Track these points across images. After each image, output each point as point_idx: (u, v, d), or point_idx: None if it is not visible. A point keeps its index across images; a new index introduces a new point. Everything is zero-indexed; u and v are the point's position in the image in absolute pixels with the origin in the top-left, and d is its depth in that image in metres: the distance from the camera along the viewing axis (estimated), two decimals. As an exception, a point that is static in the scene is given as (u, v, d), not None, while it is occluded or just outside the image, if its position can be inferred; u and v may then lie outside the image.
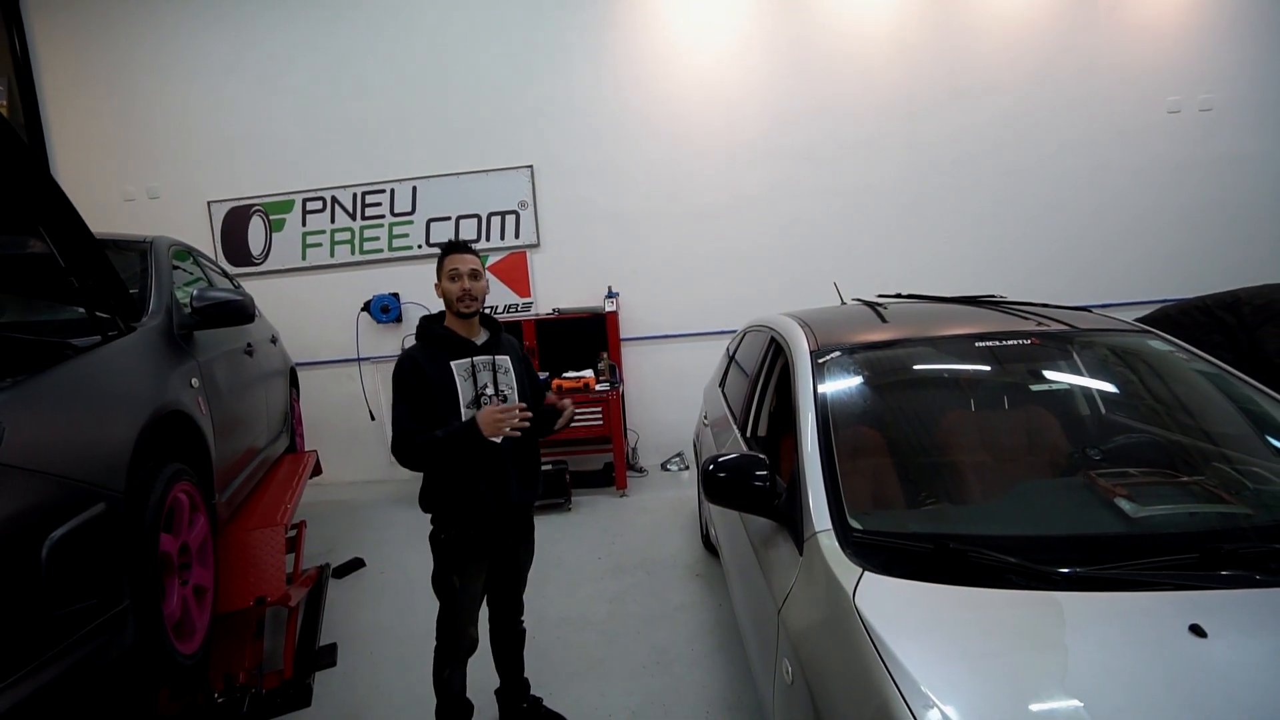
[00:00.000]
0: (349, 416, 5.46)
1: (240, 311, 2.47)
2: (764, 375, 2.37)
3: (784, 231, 5.22)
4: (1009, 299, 2.36)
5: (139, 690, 1.83)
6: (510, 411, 1.80)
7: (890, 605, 1.19)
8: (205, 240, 5.29)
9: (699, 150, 5.21)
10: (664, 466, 5.24)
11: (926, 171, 5.16)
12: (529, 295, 5.39)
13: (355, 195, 5.40)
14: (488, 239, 5.37)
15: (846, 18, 5.07)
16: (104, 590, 1.47)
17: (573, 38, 5.17)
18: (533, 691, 2.31)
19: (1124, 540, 1.37)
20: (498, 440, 1.83)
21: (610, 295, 5.12)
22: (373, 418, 5.40)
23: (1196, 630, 1.05)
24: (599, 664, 2.64)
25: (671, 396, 4.89)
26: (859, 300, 2.70)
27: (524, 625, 2.25)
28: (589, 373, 4.76)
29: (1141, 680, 1.01)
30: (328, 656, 2.78)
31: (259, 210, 5.43)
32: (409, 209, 5.40)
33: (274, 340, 3.88)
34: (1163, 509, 1.42)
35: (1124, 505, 1.44)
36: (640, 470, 5.15)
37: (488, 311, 2.06)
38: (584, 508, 4.50)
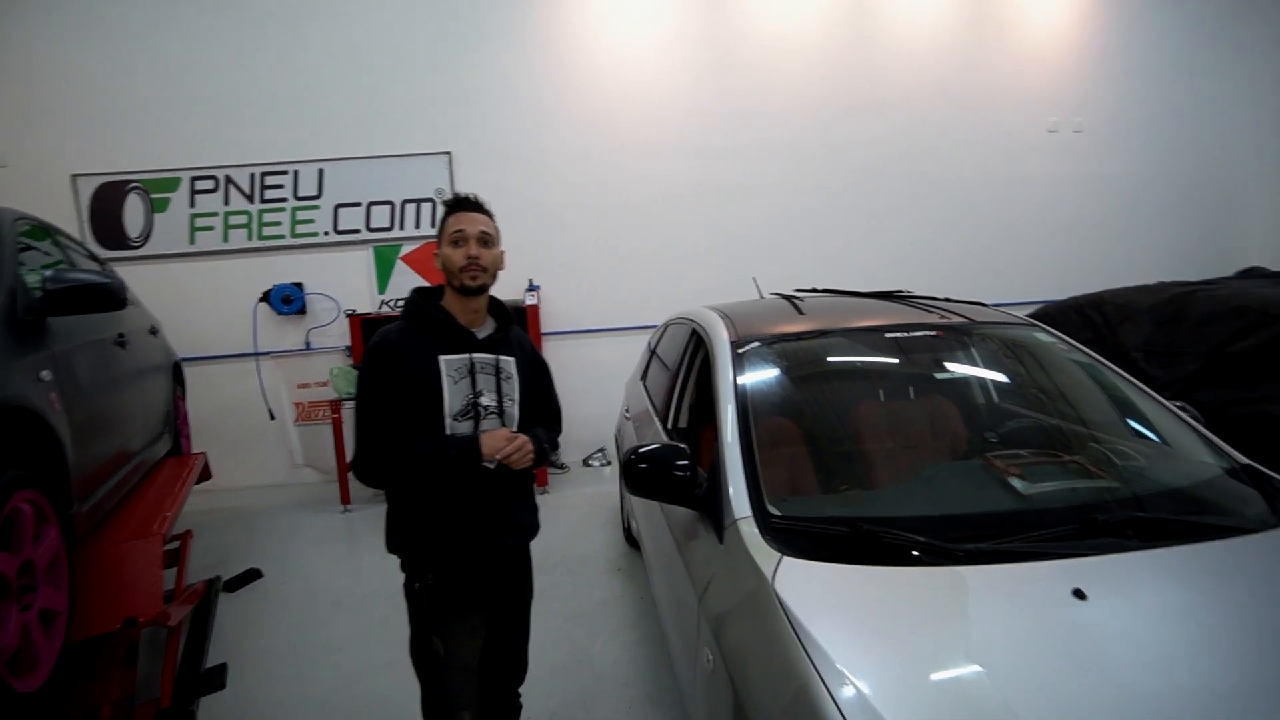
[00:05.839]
0: (245, 416, 5.02)
1: (106, 296, 2.17)
2: (685, 367, 2.38)
3: (707, 228, 5.31)
4: (915, 294, 2.48)
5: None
6: (523, 449, 1.49)
7: (808, 588, 1.21)
8: (69, 218, 4.70)
9: (624, 144, 5.20)
10: (586, 462, 5.19)
11: (842, 174, 5.41)
12: (446, 287, 5.17)
13: (253, 175, 4.97)
14: (402, 227, 5.11)
15: (767, 25, 5.23)
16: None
17: (495, 22, 5.01)
18: None
19: (1017, 516, 1.46)
20: (490, 465, 1.49)
21: (531, 288, 5.00)
22: (272, 417, 5.00)
23: (1078, 594, 1.13)
24: (518, 666, 2.56)
25: (594, 391, 4.85)
26: (777, 294, 2.76)
27: (521, 699, 1.84)
28: (510, 368, 4.62)
29: (1033, 641, 1.08)
30: (216, 679, 2.52)
31: (138, 188, 4.89)
32: (314, 192, 5.04)
33: (154, 331, 3.49)
34: (1049, 486, 1.53)
35: (1017, 484, 1.55)
36: (562, 467, 5.07)
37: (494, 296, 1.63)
38: (504, 507, 4.36)
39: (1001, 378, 2.11)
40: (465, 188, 5.52)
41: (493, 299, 1.61)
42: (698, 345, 2.30)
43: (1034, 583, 1.20)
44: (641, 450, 1.68)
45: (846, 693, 0.98)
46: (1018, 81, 5.57)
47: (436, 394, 1.47)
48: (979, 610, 1.15)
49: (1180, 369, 2.90)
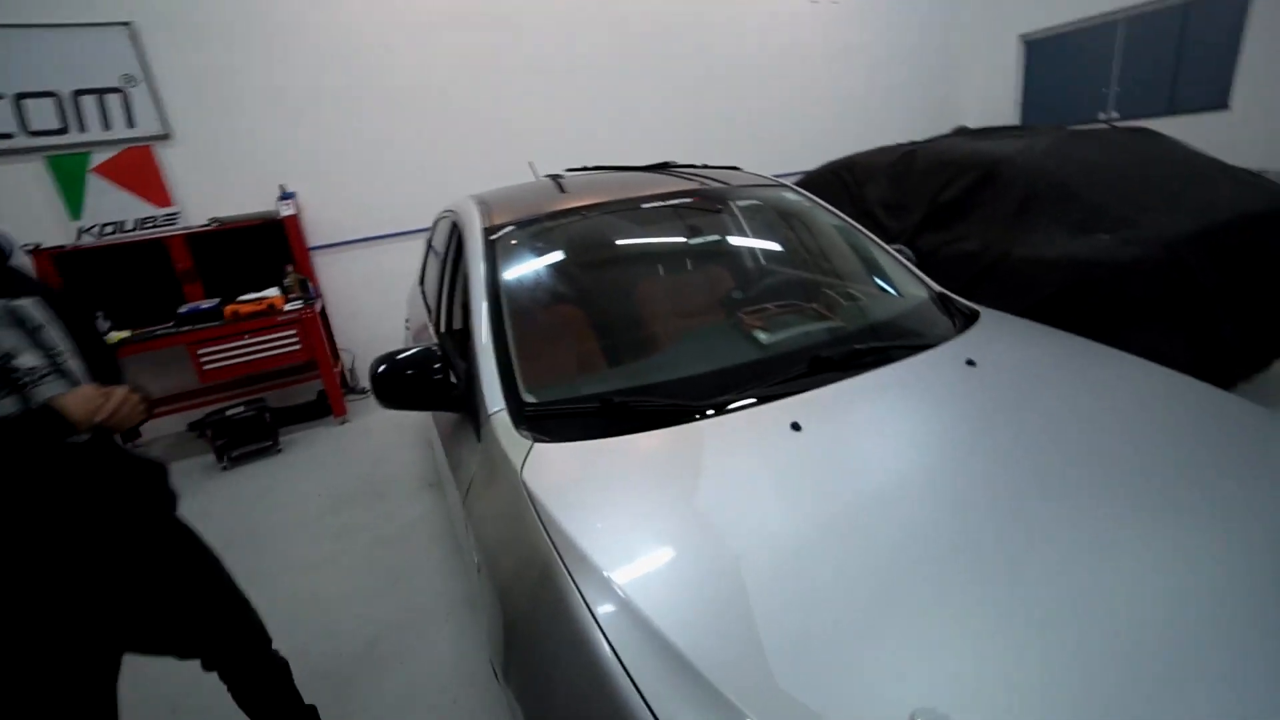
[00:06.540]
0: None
1: None
2: (450, 263, 2.17)
3: (485, 112, 4.83)
4: (680, 164, 2.47)
5: None
6: (128, 400, 1.12)
7: (555, 471, 1.19)
8: None
9: (381, 16, 4.40)
10: (392, 383, 4.82)
11: (619, 49, 5.17)
12: (170, 204, 4.20)
13: None
14: (83, 128, 3.95)
15: None
16: None
17: None
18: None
19: (758, 365, 1.56)
20: (82, 437, 1.11)
21: (285, 196, 4.25)
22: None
23: (795, 426, 1.25)
24: (327, 602, 2.40)
25: (386, 306, 4.41)
26: (548, 176, 2.60)
27: (281, 655, 1.60)
28: (274, 291, 3.99)
29: (757, 477, 1.16)
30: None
31: None
32: (-82, 81, 3.64)
33: None
34: (785, 334, 1.66)
35: (760, 336, 1.65)
36: (362, 391, 4.66)
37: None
38: (297, 446, 3.94)
39: (753, 239, 2.21)
40: (167, 72, 4.40)
41: None
42: (460, 239, 2.10)
43: (760, 423, 1.29)
44: (396, 358, 1.52)
45: (585, 568, 0.98)
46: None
47: None
48: (711, 459, 1.21)
49: (908, 219, 3.32)
